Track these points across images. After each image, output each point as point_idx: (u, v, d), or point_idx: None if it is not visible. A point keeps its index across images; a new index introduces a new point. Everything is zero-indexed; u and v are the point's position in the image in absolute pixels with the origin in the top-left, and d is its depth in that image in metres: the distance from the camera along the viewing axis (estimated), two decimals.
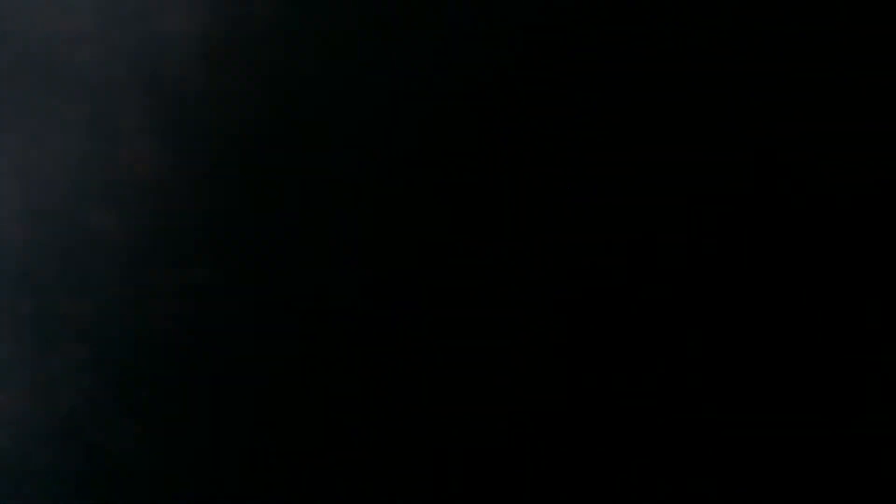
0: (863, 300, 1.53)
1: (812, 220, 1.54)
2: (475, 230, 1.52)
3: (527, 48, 1.53)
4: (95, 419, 1.45)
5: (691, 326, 1.53)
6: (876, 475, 1.51)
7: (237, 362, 1.47)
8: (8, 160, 1.46)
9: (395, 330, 1.51)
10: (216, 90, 1.48)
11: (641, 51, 1.54)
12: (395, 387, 1.50)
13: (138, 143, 1.47)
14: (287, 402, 1.49)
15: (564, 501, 1.51)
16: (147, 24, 1.48)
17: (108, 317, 1.46)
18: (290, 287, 1.49)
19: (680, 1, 1.54)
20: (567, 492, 1.52)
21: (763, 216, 1.54)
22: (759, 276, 1.54)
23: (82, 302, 1.46)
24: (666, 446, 1.52)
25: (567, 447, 1.52)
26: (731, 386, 1.53)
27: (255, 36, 1.49)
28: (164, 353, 1.46)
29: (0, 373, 1.44)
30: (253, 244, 1.49)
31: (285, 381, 1.49)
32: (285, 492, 1.49)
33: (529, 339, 1.52)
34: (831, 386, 1.53)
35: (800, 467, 1.52)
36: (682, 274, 1.53)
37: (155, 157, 1.47)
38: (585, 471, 1.51)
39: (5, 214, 1.45)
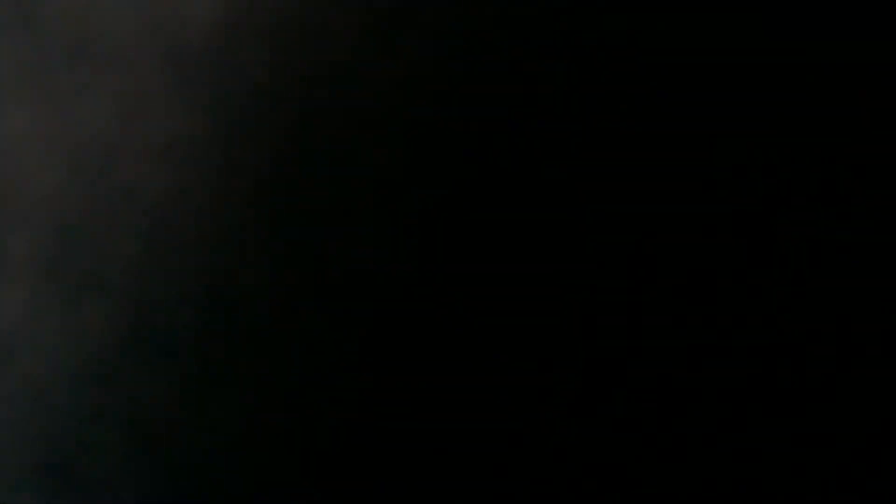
0: (863, 302, 1.52)
1: (812, 223, 1.53)
2: (477, 231, 1.53)
3: (534, 51, 1.54)
4: (126, 363, 1.49)
5: (691, 330, 1.52)
6: (876, 475, 1.49)
7: (263, 309, 1.51)
8: (46, 124, 1.50)
9: (402, 329, 1.52)
10: (232, 64, 1.52)
11: (644, 54, 1.54)
12: (399, 388, 1.52)
13: (163, 107, 1.51)
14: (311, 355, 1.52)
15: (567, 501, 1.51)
16: (170, 6, 1.51)
17: (140, 265, 1.50)
18: (312, 234, 1.52)
19: (683, 3, 1.55)
20: (569, 493, 1.52)
21: (764, 224, 1.53)
22: (762, 285, 1.53)
23: (115, 251, 1.50)
24: (667, 451, 1.51)
25: (569, 449, 1.52)
26: (730, 391, 1.52)
27: (270, 14, 1.52)
28: (192, 300, 1.50)
29: (36, 318, 1.48)
30: (271, 194, 1.52)
31: (307, 328, 1.52)
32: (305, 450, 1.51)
33: (533, 342, 1.53)
34: (830, 388, 1.51)
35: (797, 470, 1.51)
36: (682, 278, 1.53)
37: (178, 120, 1.51)
38: (586, 473, 1.52)
39: (42, 172, 1.49)
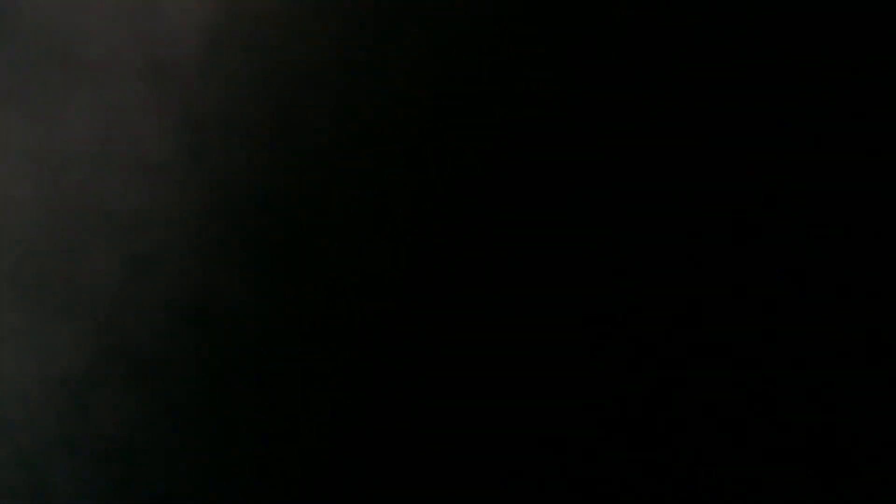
0: (862, 303, 1.53)
1: (812, 224, 1.54)
2: (475, 229, 1.54)
3: (537, 51, 1.55)
4: (98, 384, 1.47)
5: (689, 330, 1.53)
6: (875, 476, 1.50)
7: (243, 330, 1.49)
8: (22, 138, 1.48)
9: (399, 327, 1.52)
10: (216, 75, 1.51)
11: (644, 55, 1.55)
12: (395, 388, 1.51)
13: (143, 123, 1.49)
14: (288, 365, 1.51)
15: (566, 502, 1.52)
16: (152, 16, 1.50)
17: (115, 283, 1.48)
18: (296, 250, 1.51)
19: (682, 5, 1.55)
20: (567, 493, 1.52)
21: (763, 223, 1.54)
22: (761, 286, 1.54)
23: (87, 270, 1.48)
24: (667, 453, 1.52)
25: (568, 448, 1.52)
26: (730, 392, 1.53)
27: (254, 23, 1.52)
28: (167, 320, 1.48)
29: (6, 339, 1.46)
30: (255, 209, 1.51)
31: (287, 343, 1.51)
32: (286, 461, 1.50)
33: (532, 343, 1.53)
34: (829, 389, 1.52)
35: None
36: (680, 279, 1.54)
37: (160, 132, 1.50)
38: (584, 473, 1.52)
39: (17, 186, 1.48)
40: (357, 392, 1.50)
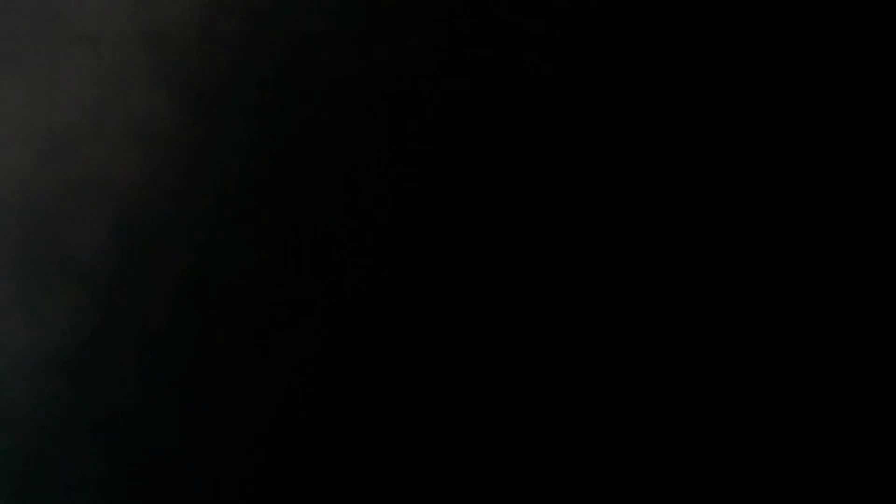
0: (862, 303, 1.52)
1: (811, 222, 1.53)
2: (473, 227, 1.52)
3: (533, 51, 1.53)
4: (91, 356, 1.48)
5: (687, 329, 1.52)
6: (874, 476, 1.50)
7: (239, 300, 1.50)
8: (14, 104, 1.49)
9: (393, 324, 1.52)
10: (214, 42, 1.50)
11: (643, 53, 1.53)
12: (391, 385, 1.51)
13: (137, 88, 1.49)
14: (274, 343, 1.51)
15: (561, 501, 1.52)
16: None
17: (110, 252, 1.49)
18: (292, 222, 1.51)
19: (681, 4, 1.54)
20: (563, 493, 1.52)
21: (762, 220, 1.53)
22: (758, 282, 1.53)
23: (81, 241, 1.49)
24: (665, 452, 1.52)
25: (564, 448, 1.52)
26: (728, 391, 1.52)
27: None
28: (162, 292, 1.49)
29: (0, 307, 1.47)
30: (251, 180, 1.50)
31: (278, 324, 1.51)
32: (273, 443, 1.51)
33: (527, 342, 1.52)
34: (829, 389, 1.51)
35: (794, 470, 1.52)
36: (679, 277, 1.53)
37: (154, 101, 1.50)
38: (580, 472, 1.52)
39: (8, 155, 1.48)
40: (353, 365, 1.50)
